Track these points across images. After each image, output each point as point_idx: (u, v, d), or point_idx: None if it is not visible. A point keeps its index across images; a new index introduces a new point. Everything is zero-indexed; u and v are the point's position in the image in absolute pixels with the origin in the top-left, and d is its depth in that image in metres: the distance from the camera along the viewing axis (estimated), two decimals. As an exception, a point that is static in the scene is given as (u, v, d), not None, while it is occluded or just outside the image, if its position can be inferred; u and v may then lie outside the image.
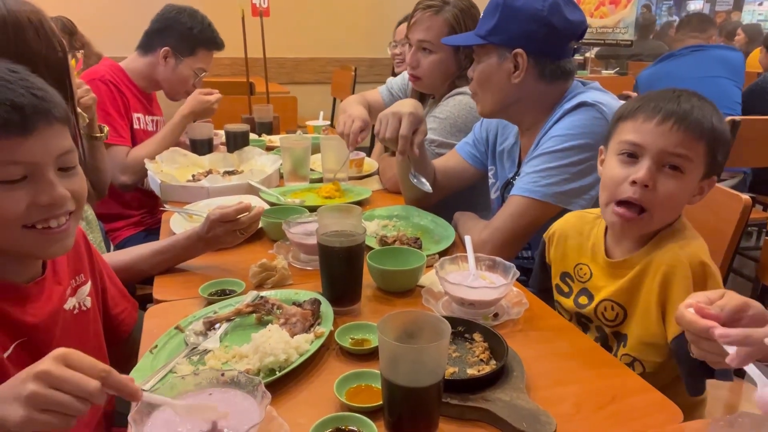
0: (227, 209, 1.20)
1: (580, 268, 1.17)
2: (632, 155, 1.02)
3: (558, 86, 1.39)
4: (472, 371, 0.89)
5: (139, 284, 1.59)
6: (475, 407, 0.82)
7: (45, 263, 0.93)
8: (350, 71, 4.75)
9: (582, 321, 1.16)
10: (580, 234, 1.19)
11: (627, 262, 1.08)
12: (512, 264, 1.12)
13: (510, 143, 1.55)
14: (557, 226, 1.24)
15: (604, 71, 5.76)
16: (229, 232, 1.22)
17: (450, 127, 1.78)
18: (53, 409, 0.61)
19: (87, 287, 1.02)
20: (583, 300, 1.15)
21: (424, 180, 1.49)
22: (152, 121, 2.20)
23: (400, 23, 2.94)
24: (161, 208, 1.62)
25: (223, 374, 0.77)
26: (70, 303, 0.97)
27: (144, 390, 0.67)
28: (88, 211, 1.52)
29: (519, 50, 1.34)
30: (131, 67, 2.15)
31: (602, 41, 5.49)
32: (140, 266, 1.24)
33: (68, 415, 0.62)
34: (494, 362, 0.92)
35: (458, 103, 1.79)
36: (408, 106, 1.44)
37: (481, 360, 0.93)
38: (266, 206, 1.48)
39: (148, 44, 2.14)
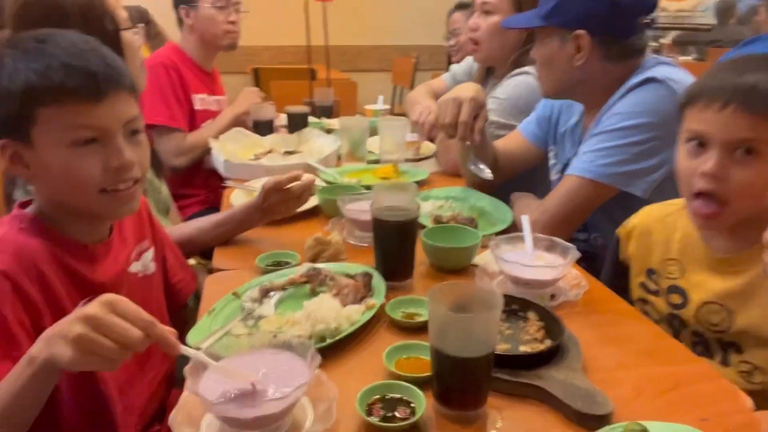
0: (280, 177, 1.23)
1: (669, 264, 1.08)
2: (700, 144, 0.93)
3: (627, 64, 1.32)
4: (525, 349, 0.87)
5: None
6: (527, 383, 0.79)
7: (112, 227, 0.97)
8: (411, 59, 4.74)
9: (674, 324, 1.07)
10: (665, 227, 1.10)
11: (736, 260, 0.98)
12: (572, 245, 1.08)
13: (573, 122, 1.49)
14: (636, 220, 1.16)
15: (681, 57, 5.45)
16: (283, 201, 1.25)
17: (511, 108, 1.73)
18: (98, 352, 0.64)
19: (150, 253, 1.06)
20: (675, 299, 1.06)
21: (483, 167, 1.45)
22: (216, 101, 2.27)
23: (452, 12, 2.89)
24: (222, 184, 1.67)
25: (275, 336, 0.79)
26: (135, 267, 1.02)
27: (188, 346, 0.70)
28: (163, 191, 1.59)
29: (580, 32, 1.28)
30: (183, 44, 2.21)
31: (679, 25, 5.19)
32: (201, 238, 1.29)
33: (112, 359, 0.65)
34: (549, 342, 0.89)
35: (520, 83, 1.74)
36: (469, 90, 1.39)
37: (535, 339, 0.90)
38: (322, 171, 1.49)
39: (177, 15, 2.19)
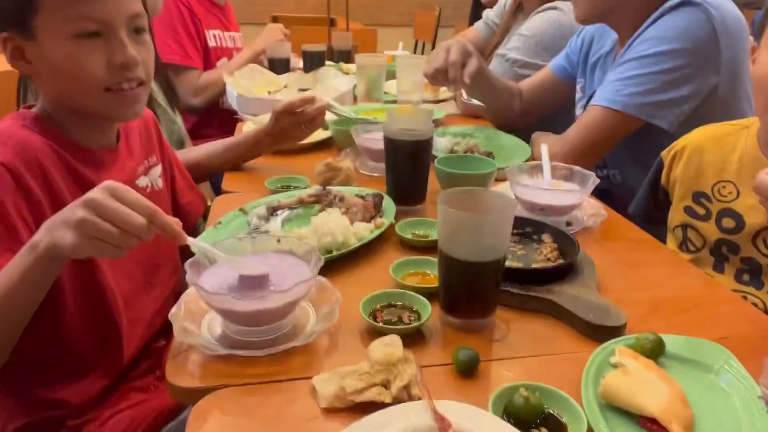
0: (293, 99, 1.19)
1: (723, 186, 1.02)
2: None
3: None
4: (536, 266, 0.84)
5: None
6: (537, 297, 0.76)
7: (119, 136, 0.95)
8: (434, 12, 4.60)
9: (721, 251, 1.02)
10: (721, 147, 1.04)
11: None
12: (591, 172, 1.03)
13: (605, 51, 1.40)
14: (686, 140, 1.10)
15: None
16: (294, 125, 1.22)
17: (535, 45, 1.66)
18: (101, 238, 0.63)
19: (158, 169, 1.04)
20: (728, 223, 1.00)
21: (477, 102, 1.40)
22: (230, 37, 2.22)
23: None
24: (235, 116, 1.64)
25: (279, 240, 0.77)
26: (143, 181, 0.99)
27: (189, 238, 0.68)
28: (178, 121, 1.57)
29: None
30: None
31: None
32: (211, 162, 1.27)
33: (116, 246, 0.64)
34: (562, 261, 0.85)
35: (546, 19, 1.66)
36: (454, 40, 1.35)
37: (549, 259, 0.87)
38: (338, 109, 1.45)
39: None
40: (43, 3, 0.77)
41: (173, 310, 0.70)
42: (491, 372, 0.66)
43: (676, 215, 1.10)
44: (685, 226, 1.08)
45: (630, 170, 1.35)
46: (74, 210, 0.63)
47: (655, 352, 0.66)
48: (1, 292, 0.67)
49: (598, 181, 1.01)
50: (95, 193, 0.63)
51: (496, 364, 0.67)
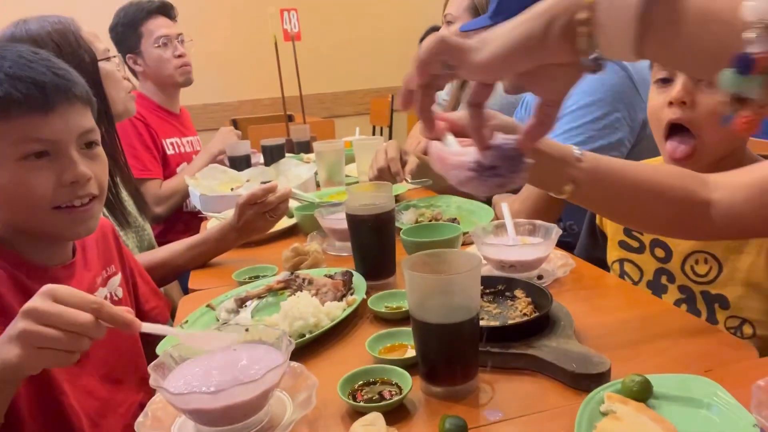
0: (255, 190, 1.20)
1: None
2: (665, 80, 0.96)
3: None
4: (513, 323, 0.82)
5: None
6: (518, 353, 0.75)
7: (75, 250, 0.93)
8: (387, 99, 4.82)
9: (661, 281, 1.05)
10: None
11: None
12: (553, 224, 1.05)
13: None
14: None
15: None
16: (259, 216, 1.21)
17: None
18: (48, 346, 0.60)
19: (117, 278, 1.02)
20: (659, 253, 1.04)
21: (421, 180, 1.50)
22: (188, 142, 2.27)
23: (424, 36, 2.94)
24: (199, 215, 1.64)
25: (247, 330, 0.74)
26: (102, 293, 0.97)
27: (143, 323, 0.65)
28: (147, 229, 1.56)
29: None
30: (143, 91, 2.20)
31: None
32: (176, 261, 1.25)
33: (67, 351, 0.61)
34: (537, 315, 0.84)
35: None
36: (389, 142, 1.52)
37: (524, 314, 0.85)
38: (302, 196, 1.47)
39: (128, 67, 2.18)
40: None
41: (139, 419, 0.66)
42: (481, 438, 0.63)
43: (612, 251, 1.13)
44: (621, 261, 1.11)
45: (584, 218, 1.39)
46: (16, 323, 0.61)
47: (643, 393, 0.64)
48: None
49: (560, 231, 1.02)
50: (33, 301, 0.61)
51: (486, 429, 0.64)
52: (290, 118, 3.42)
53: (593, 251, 1.21)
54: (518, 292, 0.91)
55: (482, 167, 0.65)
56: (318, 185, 1.91)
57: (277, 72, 2.82)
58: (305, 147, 2.60)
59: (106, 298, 0.97)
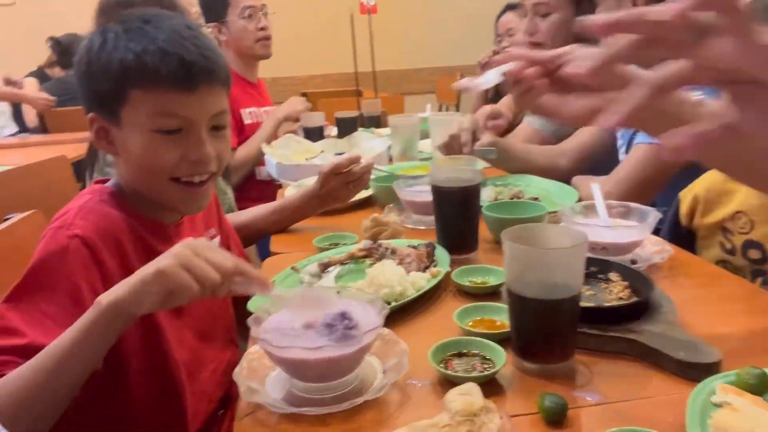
0: (340, 159, 1.20)
1: (738, 218, 1.00)
2: None
3: None
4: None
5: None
6: (618, 337, 0.71)
7: None
8: (455, 77, 4.74)
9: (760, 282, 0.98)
10: (726, 180, 1.02)
11: None
12: (651, 208, 0.99)
13: None
14: (699, 181, 1.08)
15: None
16: (341, 185, 1.22)
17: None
18: (178, 291, 0.64)
19: (217, 241, 1.04)
20: (753, 254, 0.97)
21: (487, 150, 1.44)
22: (264, 112, 2.30)
23: (501, 14, 2.85)
24: (276, 183, 1.67)
25: (339, 292, 0.75)
26: None
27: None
28: (229, 193, 1.60)
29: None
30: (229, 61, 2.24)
31: None
32: (258, 225, 1.27)
33: (190, 296, 0.64)
34: (636, 299, 0.80)
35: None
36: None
37: (621, 298, 0.82)
38: (376, 168, 1.46)
39: (212, 35, 2.19)
40: (133, 95, 0.79)
41: (237, 369, 0.68)
42: (581, 419, 0.60)
43: (713, 251, 1.05)
44: (722, 262, 1.04)
45: None
46: (157, 262, 0.65)
47: (760, 387, 0.60)
48: (60, 352, 0.66)
49: (660, 215, 0.97)
50: (178, 248, 0.66)
51: (586, 412, 0.62)
52: (359, 93, 3.42)
53: (676, 243, 1.13)
54: (613, 275, 0.87)
55: None
56: (390, 159, 1.90)
57: (349, 47, 2.82)
58: (376, 121, 2.59)
59: None
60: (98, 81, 0.80)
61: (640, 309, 0.76)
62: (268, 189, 2.22)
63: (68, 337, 0.65)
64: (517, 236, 0.68)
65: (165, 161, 0.81)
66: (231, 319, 1.03)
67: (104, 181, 0.91)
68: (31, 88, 3.97)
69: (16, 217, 1.04)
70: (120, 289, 0.65)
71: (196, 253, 0.65)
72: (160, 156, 0.81)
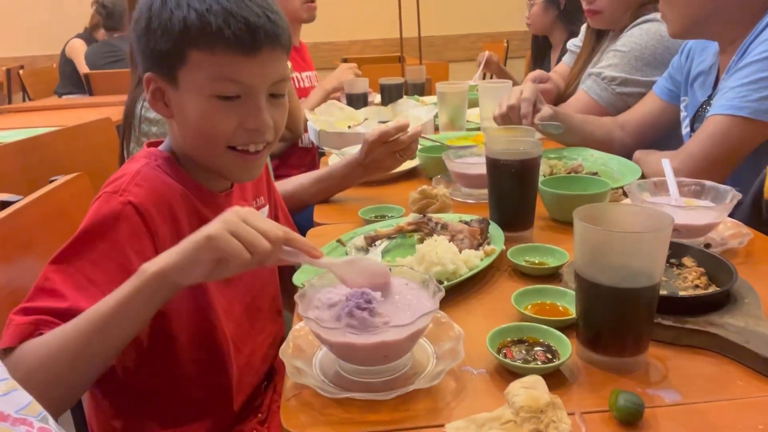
0: (386, 126, 1.14)
1: None
2: None
3: None
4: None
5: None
6: (696, 330, 0.65)
7: None
8: (502, 44, 4.56)
9: None
10: None
11: None
12: (728, 186, 0.91)
13: (707, 64, 1.29)
14: None
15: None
16: (388, 155, 1.16)
17: (635, 60, 1.55)
18: (227, 259, 0.62)
19: (265, 210, 1.02)
20: None
21: (552, 124, 1.34)
22: (306, 77, 2.24)
23: None
24: (319, 150, 1.63)
25: (390, 269, 0.70)
26: None
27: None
28: (269, 166, 1.57)
29: None
30: None
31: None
32: (301, 195, 1.23)
33: (238, 264, 0.63)
34: (715, 288, 0.73)
35: (645, 31, 1.55)
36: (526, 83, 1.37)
37: (697, 286, 0.74)
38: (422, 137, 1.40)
39: None
40: (193, 56, 0.75)
41: (282, 346, 0.65)
42: (659, 422, 0.55)
43: None
44: None
45: (751, 186, 1.21)
46: (206, 228, 0.63)
47: None
48: (99, 315, 0.64)
49: (739, 196, 0.88)
50: (228, 215, 0.64)
51: (664, 413, 0.56)
52: (402, 60, 3.32)
53: (756, 226, 1.04)
54: (688, 260, 0.79)
55: None
56: (437, 129, 1.83)
57: (389, 12, 2.71)
58: (420, 89, 2.50)
59: None
60: (158, 39, 0.76)
61: (721, 299, 0.69)
62: (309, 155, 2.19)
63: (110, 303, 0.63)
64: (590, 216, 0.62)
65: (222, 129, 0.78)
66: (277, 290, 1.01)
67: (157, 143, 0.88)
68: (77, 49, 4.01)
69: (60, 180, 1.03)
70: (167, 257, 0.62)
71: (245, 220, 0.63)
72: (218, 123, 0.77)
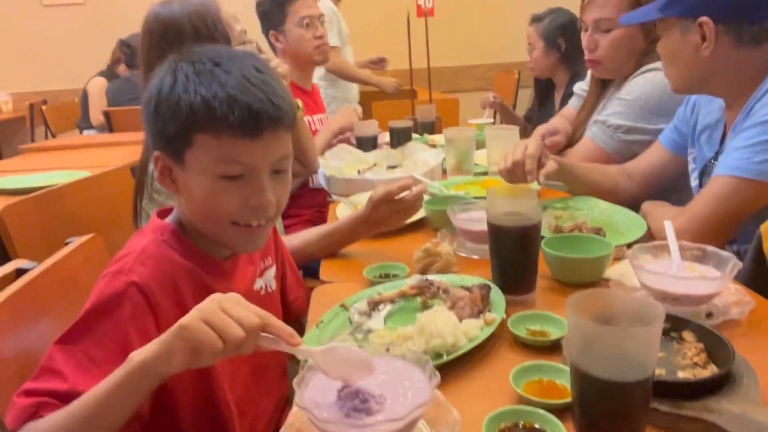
0: (391, 187, 1.17)
1: None
2: None
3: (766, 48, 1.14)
4: (684, 375, 0.72)
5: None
6: (693, 417, 0.65)
7: None
8: (513, 74, 4.60)
9: None
10: None
11: None
12: (731, 254, 0.91)
13: (713, 119, 1.30)
14: None
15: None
16: (392, 212, 1.19)
17: (639, 109, 1.56)
18: (202, 349, 0.63)
19: (273, 270, 1.04)
20: None
21: (555, 183, 1.38)
22: (318, 120, 2.29)
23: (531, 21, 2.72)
24: (328, 199, 1.65)
25: (387, 349, 0.71)
26: (258, 284, 0.99)
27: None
28: None
29: (703, 19, 1.13)
30: None
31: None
32: (308, 249, 1.26)
33: (213, 351, 0.63)
34: (713, 367, 0.73)
35: (649, 81, 1.57)
36: (531, 138, 1.40)
37: (696, 364, 0.74)
38: (428, 184, 1.42)
39: (269, 42, 2.21)
40: (199, 139, 0.79)
41: (283, 428, 0.66)
42: None
43: None
44: None
45: None
46: (187, 314, 0.64)
47: None
48: (92, 400, 0.66)
49: (739, 265, 0.88)
50: (204, 305, 0.64)
51: None
52: (414, 95, 3.36)
53: (759, 281, 1.04)
54: (687, 335, 0.79)
55: None
56: (445, 172, 1.85)
57: (403, 45, 2.76)
58: (430, 128, 2.54)
59: (261, 289, 1.00)
60: (166, 122, 0.79)
61: (720, 382, 0.69)
62: (320, 196, 2.22)
63: (102, 389, 0.66)
64: (583, 304, 0.63)
65: (226, 206, 0.81)
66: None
67: (166, 212, 0.91)
68: (96, 88, 4.12)
69: (75, 243, 1.07)
70: (150, 346, 0.65)
71: (221, 308, 0.64)
72: (222, 201, 0.80)
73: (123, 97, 3.83)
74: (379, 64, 3.98)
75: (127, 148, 2.63)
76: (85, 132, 4.15)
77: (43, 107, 4.29)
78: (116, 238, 1.15)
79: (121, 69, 4.21)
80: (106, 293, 0.75)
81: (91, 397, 0.66)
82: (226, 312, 0.63)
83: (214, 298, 0.65)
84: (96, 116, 3.96)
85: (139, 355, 0.64)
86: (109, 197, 1.57)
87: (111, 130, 3.49)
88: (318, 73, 3.18)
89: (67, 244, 1.08)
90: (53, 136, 4.27)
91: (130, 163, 1.95)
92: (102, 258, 1.09)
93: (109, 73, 4.23)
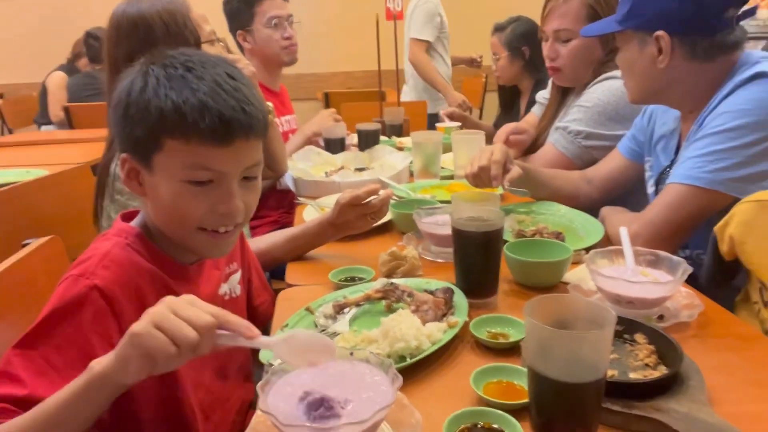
0: (357, 191, 1.17)
1: None
2: None
3: (721, 62, 1.19)
4: (635, 376, 0.75)
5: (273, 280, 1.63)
6: (642, 416, 0.68)
7: None
8: (481, 78, 4.66)
9: None
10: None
11: None
12: (681, 259, 0.95)
13: (669, 128, 1.36)
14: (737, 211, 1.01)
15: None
16: (359, 217, 1.19)
17: (598, 115, 1.61)
18: (155, 355, 0.62)
19: (238, 275, 1.03)
20: None
21: (519, 189, 1.43)
22: (285, 121, 2.28)
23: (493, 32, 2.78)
24: (295, 201, 1.65)
25: (351, 353, 0.72)
26: (223, 288, 0.98)
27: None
28: None
29: (660, 33, 1.18)
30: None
31: (770, 35, 4.81)
32: (274, 253, 1.25)
33: (167, 357, 0.62)
34: (663, 368, 0.77)
35: (607, 89, 1.62)
36: (496, 144, 1.42)
37: (647, 365, 0.78)
38: (395, 187, 1.43)
39: (236, 42, 2.18)
40: (168, 144, 0.77)
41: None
42: None
43: (753, 292, 1.00)
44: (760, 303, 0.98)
45: None
46: (138, 321, 0.63)
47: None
48: (51, 408, 0.65)
49: (690, 269, 0.92)
50: (154, 309, 0.63)
51: (607, 506, 0.59)
52: (382, 97, 3.38)
53: (720, 276, 1.08)
54: (639, 337, 0.83)
55: None
56: (411, 175, 1.87)
57: (372, 46, 2.77)
58: (398, 130, 2.56)
59: (226, 294, 0.99)
60: (134, 125, 0.78)
61: (668, 382, 0.73)
62: (287, 198, 2.21)
63: (62, 397, 0.64)
64: (539, 309, 0.65)
65: (193, 212, 0.80)
66: (246, 354, 1.02)
67: (131, 215, 0.89)
68: (56, 82, 4.00)
69: (33, 244, 1.04)
70: (108, 355, 0.64)
71: (172, 310, 0.62)
72: (189, 206, 0.79)
73: (84, 92, 3.73)
74: (473, 63, 4.02)
75: (88, 146, 2.57)
76: (44, 128, 4.03)
77: (0, 101, 4.14)
78: (76, 240, 1.13)
79: (83, 63, 4.10)
80: (67, 297, 0.74)
81: (51, 404, 0.64)
82: (177, 314, 0.62)
83: (165, 301, 0.64)
84: (55, 112, 3.84)
85: (98, 365, 0.63)
86: (69, 197, 1.53)
87: (71, 126, 3.39)
88: None
89: (24, 245, 1.05)
90: (10, 131, 4.13)
91: (91, 161, 1.91)
92: (61, 260, 1.07)
93: (70, 68, 4.11)
